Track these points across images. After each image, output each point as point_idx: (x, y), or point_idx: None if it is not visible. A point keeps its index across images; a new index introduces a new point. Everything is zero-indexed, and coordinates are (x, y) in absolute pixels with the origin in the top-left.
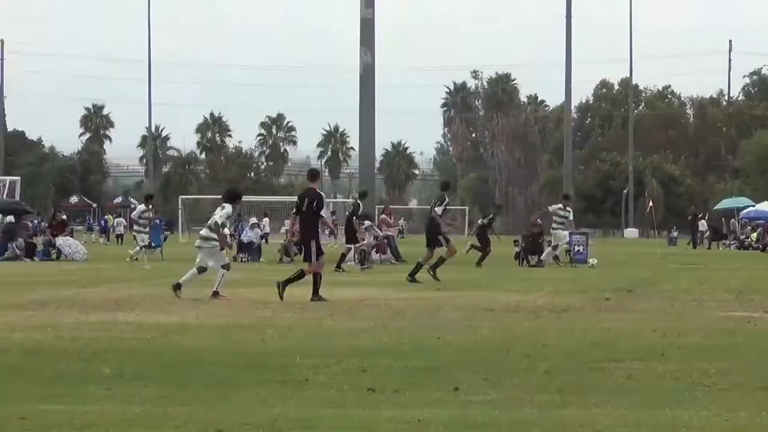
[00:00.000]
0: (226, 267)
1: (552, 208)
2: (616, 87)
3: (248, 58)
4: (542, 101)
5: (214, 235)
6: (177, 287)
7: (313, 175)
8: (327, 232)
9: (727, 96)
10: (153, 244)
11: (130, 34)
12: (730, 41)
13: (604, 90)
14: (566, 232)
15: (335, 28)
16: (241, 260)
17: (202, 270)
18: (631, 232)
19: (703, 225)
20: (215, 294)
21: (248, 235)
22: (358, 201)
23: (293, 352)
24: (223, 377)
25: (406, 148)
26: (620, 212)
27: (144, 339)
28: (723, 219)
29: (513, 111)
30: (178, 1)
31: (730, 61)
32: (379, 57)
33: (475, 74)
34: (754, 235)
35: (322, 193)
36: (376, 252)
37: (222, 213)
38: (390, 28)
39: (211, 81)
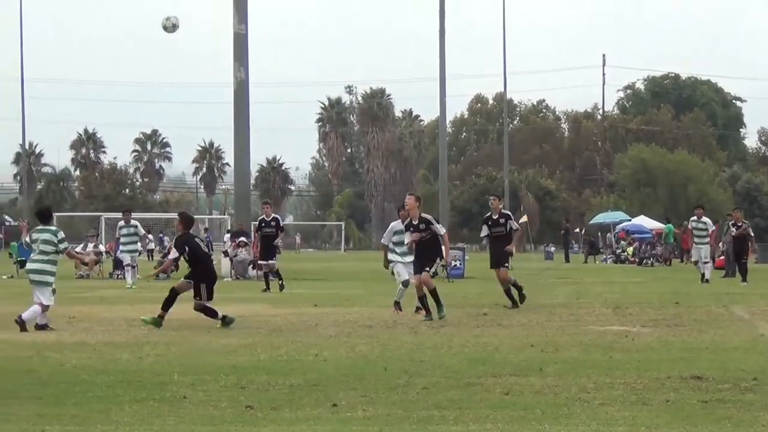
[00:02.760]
0: (405, 284)
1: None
2: (491, 101)
3: (122, 74)
4: (417, 116)
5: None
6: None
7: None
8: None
9: (601, 110)
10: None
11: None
12: (604, 55)
13: (479, 104)
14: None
15: (209, 43)
16: (117, 277)
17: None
18: None
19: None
20: (397, 304)
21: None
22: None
23: (171, 370)
24: (100, 395)
25: (282, 164)
26: None
27: (19, 357)
28: (599, 233)
29: (388, 126)
30: (50, 18)
31: (604, 75)
32: (253, 72)
33: (349, 89)
34: (630, 249)
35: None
36: (253, 268)
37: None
38: (263, 44)
39: (86, 97)
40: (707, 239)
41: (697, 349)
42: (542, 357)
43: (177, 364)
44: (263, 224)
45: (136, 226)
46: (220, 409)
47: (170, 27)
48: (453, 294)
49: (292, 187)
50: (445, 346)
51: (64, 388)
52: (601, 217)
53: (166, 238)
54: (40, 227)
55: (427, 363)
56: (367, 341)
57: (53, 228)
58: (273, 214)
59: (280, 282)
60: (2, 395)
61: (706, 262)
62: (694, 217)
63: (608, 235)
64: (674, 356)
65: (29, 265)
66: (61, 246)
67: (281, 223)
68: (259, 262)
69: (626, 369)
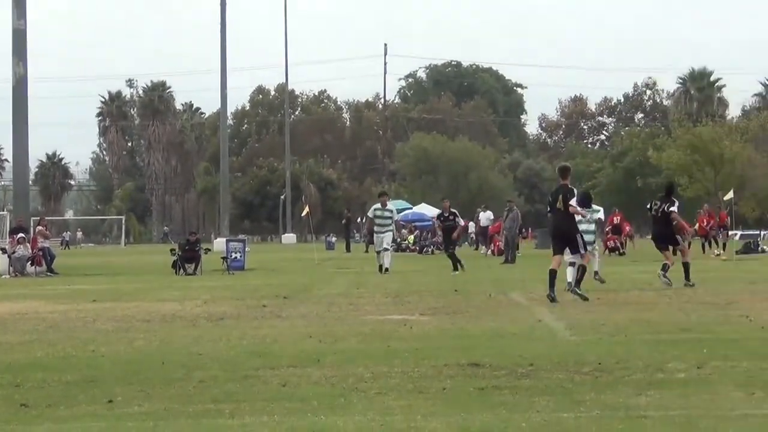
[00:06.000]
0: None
1: None
2: (273, 93)
3: None
4: (198, 108)
5: None
6: None
7: (564, 171)
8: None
9: (383, 99)
10: None
11: None
12: (386, 44)
13: (261, 96)
14: None
15: None
16: None
17: None
18: (289, 238)
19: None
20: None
21: None
22: None
23: None
24: None
25: (62, 159)
26: (278, 218)
27: None
28: None
29: (169, 119)
30: None
31: (385, 64)
32: (33, 68)
33: (130, 83)
34: (411, 237)
35: (574, 189)
36: (32, 264)
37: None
38: (42, 38)
39: None
40: (389, 227)
41: (475, 336)
42: (320, 348)
43: None
44: None
45: None
46: None
47: None
48: (233, 287)
49: (72, 182)
50: (224, 339)
51: None
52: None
53: None
54: None
55: (205, 356)
56: (145, 335)
57: None
58: None
59: None
60: None
61: (386, 249)
62: (378, 205)
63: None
64: (452, 344)
65: None
66: None
67: None
68: None
69: (404, 358)
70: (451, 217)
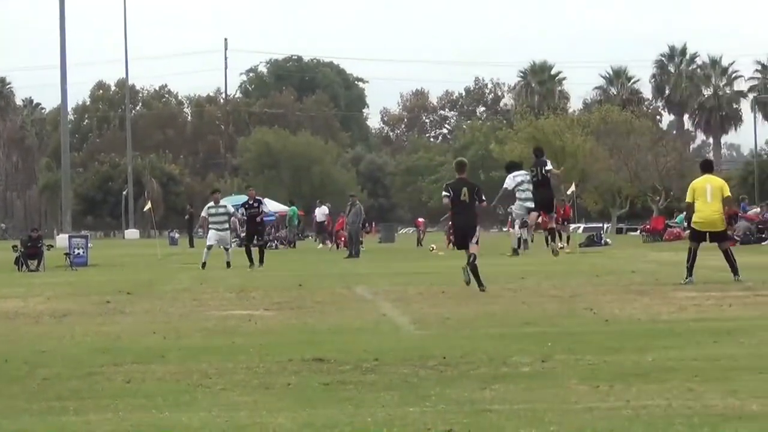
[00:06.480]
0: None
1: None
2: (113, 88)
3: None
4: (38, 104)
5: None
6: None
7: (461, 165)
8: None
9: (224, 94)
10: None
11: None
12: (226, 39)
13: (101, 91)
14: None
15: None
16: None
17: None
18: (132, 233)
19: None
20: None
21: None
22: None
23: None
24: None
25: None
26: (120, 213)
27: None
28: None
29: (9, 115)
30: None
31: (226, 59)
32: None
33: None
34: None
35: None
36: None
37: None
38: None
39: None
40: (225, 224)
41: (320, 332)
42: (164, 344)
43: None
44: None
45: None
46: None
47: None
48: (77, 283)
49: None
50: (67, 336)
51: None
52: (227, 201)
53: None
54: None
55: (49, 353)
56: None
57: None
58: None
59: None
60: None
61: (227, 249)
62: (211, 203)
63: (232, 219)
64: (296, 339)
65: None
66: None
67: None
68: None
69: (248, 353)
70: (255, 205)
